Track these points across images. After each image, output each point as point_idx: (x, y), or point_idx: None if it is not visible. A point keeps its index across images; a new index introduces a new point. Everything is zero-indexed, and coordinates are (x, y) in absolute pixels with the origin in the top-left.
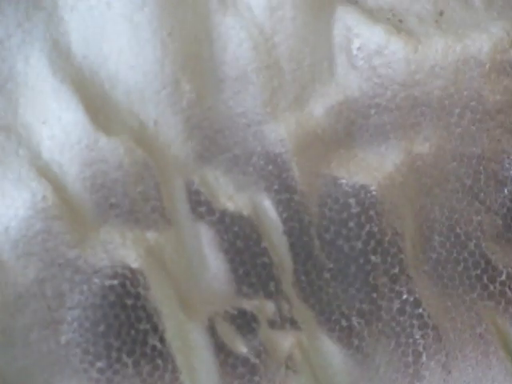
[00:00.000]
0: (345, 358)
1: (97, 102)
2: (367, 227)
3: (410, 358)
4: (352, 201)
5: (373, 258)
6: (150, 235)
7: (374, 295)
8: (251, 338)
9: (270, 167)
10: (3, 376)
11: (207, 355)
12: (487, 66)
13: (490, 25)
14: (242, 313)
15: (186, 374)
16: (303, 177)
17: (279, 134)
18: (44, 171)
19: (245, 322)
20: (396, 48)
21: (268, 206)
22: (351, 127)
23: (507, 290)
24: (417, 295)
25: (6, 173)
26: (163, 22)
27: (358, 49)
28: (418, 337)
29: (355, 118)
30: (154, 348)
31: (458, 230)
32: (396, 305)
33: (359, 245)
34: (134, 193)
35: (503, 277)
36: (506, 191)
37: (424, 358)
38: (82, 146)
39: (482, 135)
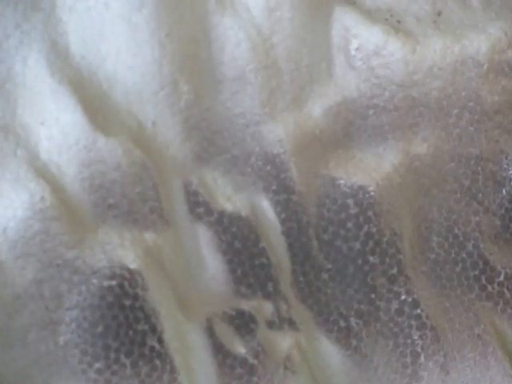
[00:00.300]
0: (343, 359)
1: (95, 102)
2: (365, 228)
3: (408, 359)
4: (350, 201)
5: (371, 258)
6: (148, 236)
7: (373, 296)
8: (249, 338)
9: (269, 168)
10: (1, 377)
11: (205, 356)
12: (485, 67)
13: (487, 25)
14: (240, 313)
15: (184, 375)
16: (301, 177)
17: (277, 134)
18: (42, 172)
19: (243, 323)
20: (394, 48)
21: (266, 206)
22: (349, 128)
23: (505, 290)
24: (415, 296)
25: (4, 173)
26: (161, 23)
27: (356, 49)
28: (416, 337)
29: (353, 118)
30: (152, 349)
31: (456, 231)
32: (394, 305)
33: (357, 245)
34: (132, 193)
35: (501, 277)
36: (504, 192)
37: (422, 358)
38: (80, 147)
39: (480, 136)
